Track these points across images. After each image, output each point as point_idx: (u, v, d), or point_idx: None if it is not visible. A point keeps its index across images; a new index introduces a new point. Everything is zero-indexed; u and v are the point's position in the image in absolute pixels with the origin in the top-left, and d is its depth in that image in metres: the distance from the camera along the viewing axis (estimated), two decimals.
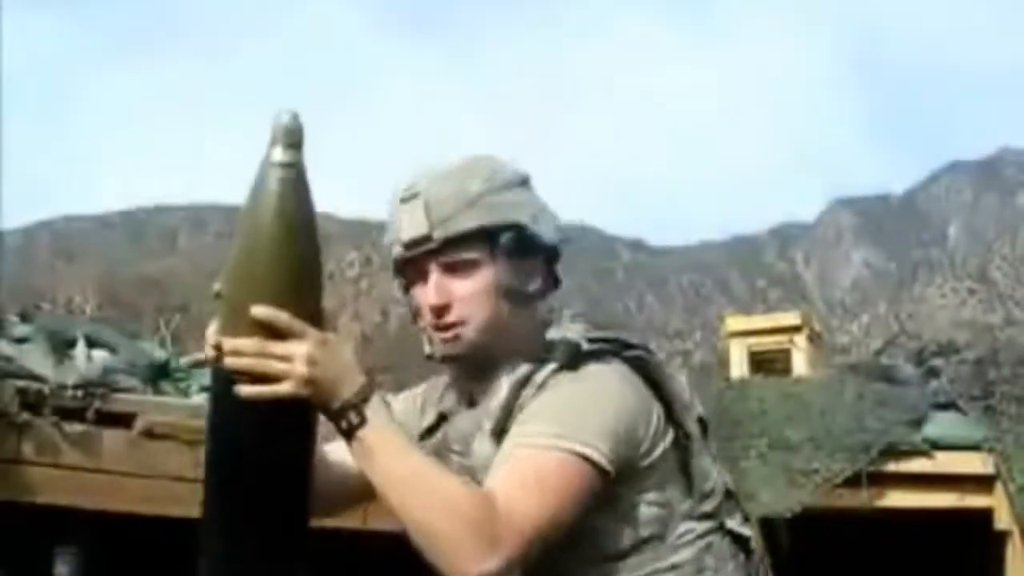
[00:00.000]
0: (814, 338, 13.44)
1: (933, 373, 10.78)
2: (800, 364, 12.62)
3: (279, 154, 2.18)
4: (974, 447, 9.91)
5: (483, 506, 2.14)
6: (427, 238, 2.43)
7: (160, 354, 8.42)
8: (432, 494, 2.14)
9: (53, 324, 7.96)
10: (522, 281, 2.46)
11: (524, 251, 2.44)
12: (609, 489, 2.31)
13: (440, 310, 2.45)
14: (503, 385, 2.42)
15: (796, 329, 13.07)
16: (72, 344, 7.60)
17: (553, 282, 2.54)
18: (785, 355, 12.79)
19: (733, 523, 2.58)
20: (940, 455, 9.95)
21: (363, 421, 2.19)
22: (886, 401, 10.35)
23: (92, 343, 7.75)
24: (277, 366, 2.14)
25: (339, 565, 7.36)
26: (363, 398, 2.19)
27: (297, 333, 2.15)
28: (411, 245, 2.45)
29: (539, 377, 2.39)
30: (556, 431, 2.27)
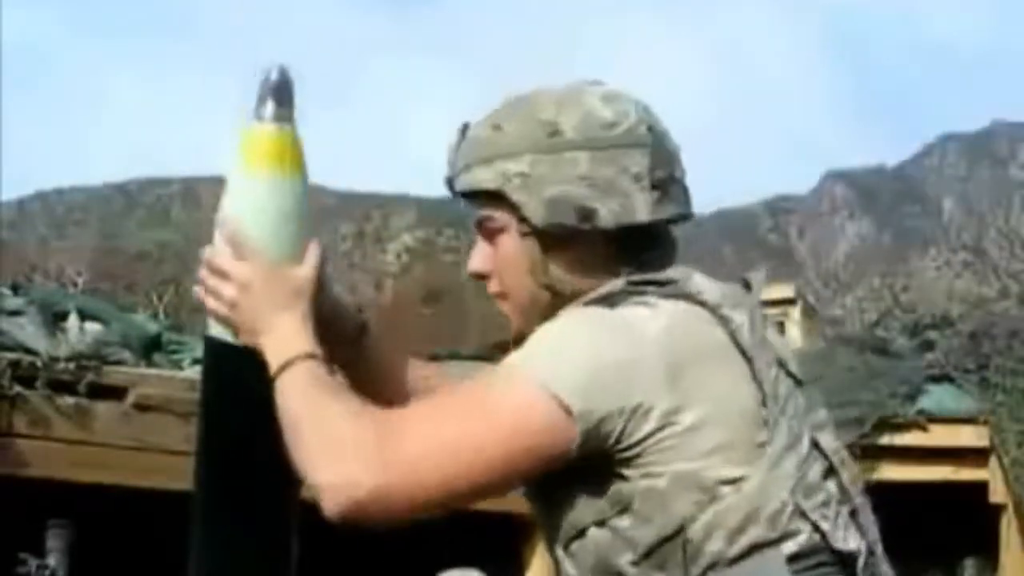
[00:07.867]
0: (808, 311, 13.44)
1: (928, 346, 10.75)
2: (794, 336, 12.62)
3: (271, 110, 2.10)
4: (969, 420, 9.89)
5: (365, 426, 1.78)
6: (449, 183, 1.95)
7: (153, 327, 8.39)
8: (316, 419, 1.86)
9: (46, 296, 7.93)
10: (560, 275, 1.87)
11: (565, 235, 1.84)
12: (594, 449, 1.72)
13: (478, 278, 1.95)
14: None
15: (790, 302, 13.07)
16: (65, 317, 7.56)
17: (635, 262, 1.88)
18: (779, 328, 12.79)
19: (834, 532, 1.88)
20: (934, 428, 9.93)
21: (278, 372, 1.93)
22: (880, 373, 10.32)
23: (85, 316, 7.71)
24: (209, 281, 1.97)
25: (333, 540, 7.35)
26: (284, 361, 1.91)
27: (246, 255, 1.92)
28: (448, 187, 1.96)
29: None
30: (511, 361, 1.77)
